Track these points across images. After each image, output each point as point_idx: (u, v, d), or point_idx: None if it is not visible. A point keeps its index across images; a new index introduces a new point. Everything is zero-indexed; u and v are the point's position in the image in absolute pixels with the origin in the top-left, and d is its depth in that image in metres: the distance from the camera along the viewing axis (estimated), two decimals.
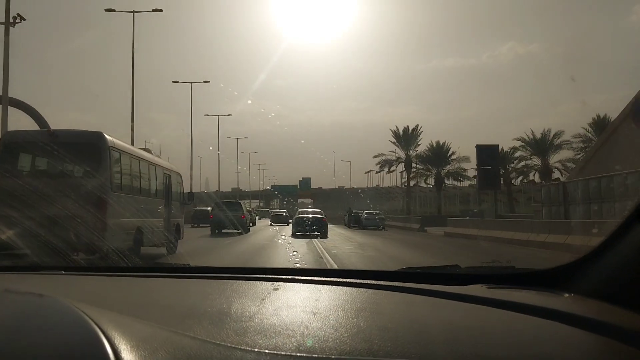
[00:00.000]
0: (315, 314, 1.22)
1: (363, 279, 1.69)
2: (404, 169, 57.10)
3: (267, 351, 0.91)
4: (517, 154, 48.81)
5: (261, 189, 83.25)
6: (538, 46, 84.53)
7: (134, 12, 31.30)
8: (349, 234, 29.72)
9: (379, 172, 57.58)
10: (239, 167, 73.02)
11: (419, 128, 56.23)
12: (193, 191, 23.70)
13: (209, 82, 45.38)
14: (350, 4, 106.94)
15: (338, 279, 1.70)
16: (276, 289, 1.59)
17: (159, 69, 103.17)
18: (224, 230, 26.70)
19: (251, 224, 37.05)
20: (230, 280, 1.78)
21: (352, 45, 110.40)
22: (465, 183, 59.64)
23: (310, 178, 76.83)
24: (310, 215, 26.35)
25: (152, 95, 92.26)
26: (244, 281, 1.74)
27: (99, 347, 0.81)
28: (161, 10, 32.20)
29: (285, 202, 63.47)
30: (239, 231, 26.54)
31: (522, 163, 49.15)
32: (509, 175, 49.68)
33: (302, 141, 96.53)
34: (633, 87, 67.03)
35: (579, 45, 76.29)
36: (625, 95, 64.55)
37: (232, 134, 67.86)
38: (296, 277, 1.79)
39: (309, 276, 1.80)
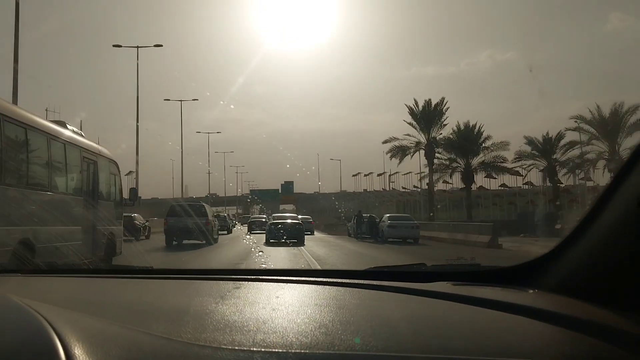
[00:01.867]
0: (275, 310, 1.25)
1: (329, 278, 1.73)
2: (424, 159, 43.54)
3: (225, 347, 0.95)
4: (565, 140, 38.37)
5: (239, 194, 79.47)
6: (516, 54, 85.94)
7: (138, 47, 35.04)
8: (374, 253, 19.89)
9: (392, 158, 44.23)
10: (216, 172, 69.51)
11: (444, 103, 42.61)
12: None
13: (197, 100, 49.59)
14: (330, 12, 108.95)
15: (302, 278, 1.75)
16: (237, 288, 1.61)
17: (140, 74, 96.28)
18: (185, 241, 22.54)
19: (225, 232, 34.56)
20: (191, 281, 1.85)
21: (333, 53, 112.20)
22: (503, 179, 47.63)
23: (292, 182, 72.89)
24: (286, 221, 24.62)
25: (141, 106, 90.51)
26: (205, 281, 1.82)
27: (47, 341, 0.85)
28: (161, 45, 37.80)
29: (265, 209, 60.29)
30: (203, 242, 22.49)
31: (577, 152, 37.68)
32: (553, 169, 39.49)
33: (281, 147, 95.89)
34: (609, 94, 73.15)
35: (556, 52, 79.32)
36: (601, 101, 68.12)
37: (214, 143, 65.94)
38: (259, 277, 1.83)
39: (273, 275, 1.87)
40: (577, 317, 1.10)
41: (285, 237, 22.37)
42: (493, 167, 41.44)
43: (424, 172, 46.62)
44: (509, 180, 48.96)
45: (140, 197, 16.69)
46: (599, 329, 1.03)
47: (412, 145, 43.36)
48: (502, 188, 50.33)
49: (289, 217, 27.27)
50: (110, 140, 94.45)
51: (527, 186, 47.16)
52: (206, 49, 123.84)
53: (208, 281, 1.81)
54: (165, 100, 48.37)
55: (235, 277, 1.86)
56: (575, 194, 38.76)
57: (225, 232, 35.33)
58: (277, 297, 1.48)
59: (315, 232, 35.99)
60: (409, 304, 1.37)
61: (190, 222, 21.89)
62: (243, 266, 12.52)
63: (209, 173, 59.73)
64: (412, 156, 44.00)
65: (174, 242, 22.44)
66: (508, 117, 78.54)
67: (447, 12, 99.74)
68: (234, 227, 48.37)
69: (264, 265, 11.49)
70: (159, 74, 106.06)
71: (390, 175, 68.74)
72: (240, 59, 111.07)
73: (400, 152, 43.64)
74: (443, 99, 42.97)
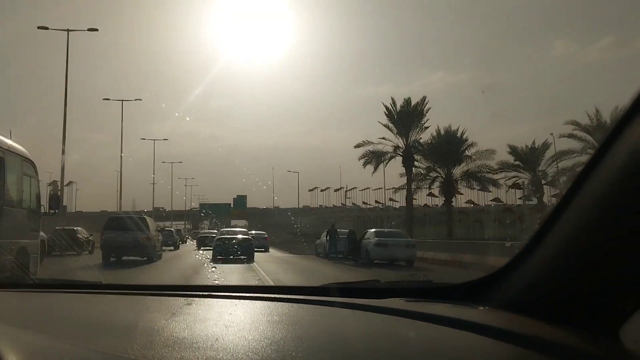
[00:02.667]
0: (228, 327, 1.25)
1: (283, 294, 1.73)
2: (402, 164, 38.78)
3: None
4: (551, 149, 37.26)
5: (187, 208, 76.09)
6: (466, 76, 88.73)
7: (68, 30, 31.55)
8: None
9: (365, 165, 39.09)
10: (164, 184, 66.17)
11: (425, 103, 38.09)
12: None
13: (140, 100, 46.00)
14: (287, 30, 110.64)
15: (256, 294, 1.76)
16: (189, 304, 1.60)
17: (90, 88, 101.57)
18: (124, 258, 20.72)
19: (172, 248, 33.73)
20: (141, 297, 1.85)
21: (290, 69, 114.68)
22: (491, 194, 43.70)
23: (245, 196, 69.92)
24: (235, 236, 23.32)
25: (82, 114, 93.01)
26: (155, 297, 1.83)
27: None
28: (96, 29, 33.20)
29: (217, 223, 57.67)
30: (144, 258, 20.56)
31: (571, 161, 34.80)
32: (539, 182, 38.10)
33: (235, 162, 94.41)
34: (555, 118, 77.13)
35: (504, 76, 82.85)
36: (547, 125, 78.74)
37: (165, 156, 63.58)
38: (212, 293, 1.84)
39: (225, 292, 1.88)
40: (525, 334, 1.13)
41: (233, 253, 21.51)
42: (478, 178, 37.32)
43: (392, 187, 45.18)
44: (476, 196, 47.48)
45: (64, 206, 14.41)
46: (546, 345, 1.06)
47: (389, 150, 38.63)
48: (468, 205, 49.14)
49: (239, 231, 25.85)
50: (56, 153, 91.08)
51: (494, 203, 45.91)
52: (160, 61, 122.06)
53: (159, 297, 1.81)
54: (104, 99, 44.16)
55: (186, 293, 1.86)
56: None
57: (172, 248, 34.00)
58: (230, 314, 1.49)
59: (270, 249, 33.71)
60: (362, 321, 1.41)
61: (130, 237, 20.31)
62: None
63: (153, 183, 56.18)
64: (386, 164, 39.29)
65: (112, 259, 20.64)
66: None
67: (402, 35, 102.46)
68: (185, 242, 46.38)
69: (216, 282, 10.86)
70: (109, 85, 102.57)
71: (347, 191, 67.71)
72: (194, 73, 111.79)
73: (375, 157, 38.61)
74: (424, 97, 38.58)
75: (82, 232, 29.11)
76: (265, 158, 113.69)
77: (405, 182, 39.49)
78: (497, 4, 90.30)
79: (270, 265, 19.97)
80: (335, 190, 66.51)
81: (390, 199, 54.34)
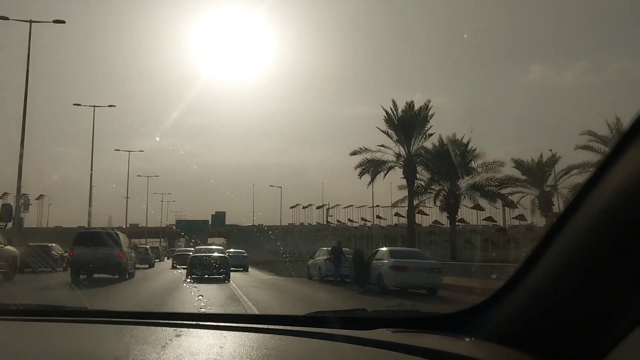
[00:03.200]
0: None
1: (270, 324, 1.79)
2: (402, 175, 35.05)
3: None
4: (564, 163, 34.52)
5: (163, 225, 74.11)
6: (443, 99, 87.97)
7: (31, 22, 30.28)
8: None
9: (360, 176, 35.60)
10: (140, 201, 64.41)
11: (429, 107, 34.70)
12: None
13: (114, 106, 44.21)
14: (267, 49, 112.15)
15: (244, 325, 1.80)
16: (178, 335, 1.62)
17: (65, 100, 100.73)
18: (95, 275, 19.86)
19: (147, 266, 33.53)
20: (130, 326, 1.81)
21: (269, 87, 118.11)
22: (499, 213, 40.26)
23: (224, 212, 68.26)
24: (210, 254, 22.66)
25: (54, 127, 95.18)
26: (144, 327, 1.79)
27: None
28: (63, 22, 31.63)
29: (192, 242, 56.12)
30: (115, 276, 19.66)
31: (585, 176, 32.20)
32: (548, 198, 35.96)
33: (212, 181, 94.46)
34: (530, 141, 79.54)
35: (481, 99, 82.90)
36: (520, 149, 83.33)
37: (142, 171, 62.12)
38: (200, 323, 1.85)
39: (214, 321, 1.88)
40: None
41: (209, 272, 21.07)
42: (487, 193, 33.53)
43: (379, 204, 43.75)
44: (467, 214, 46.22)
45: (21, 218, 13.46)
46: None
47: (389, 159, 34.90)
48: (459, 223, 47.94)
49: (215, 249, 25.21)
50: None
51: (486, 222, 44.74)
52: (138, 76, 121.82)
53: (147, 326, 1.80)
54: (75, 104, 43.08)
55: (175, 322, 1.86)
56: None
57: (147, 266, 33.59)
58: (221, 347, 1.51)
59: (251, 269, 32.39)
60: (349, 354, 1.44)
61: (101, 253, 19.37)
62: (163, 308, 11.14)
63: (127, 197, 54.25)
64: (385, 174, 35.59)
65: (82, 276, 19.77)
66: None
67: (380, 56, 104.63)
68: (162, 260, 45.29)
69: (203, 310, 10.71)
70: (84, 98, 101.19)
71: (329, 209, 66.70)
72: (172, 89, 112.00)
73: (372, 167, 34.96)
74: (429, 101, 35.18)
75: (56, 248, 28.73)
76: (244, 175, 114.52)
77: (403, 196, 36.55)
78: (475, 29, 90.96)
79: (258, 293, 16.84)
80: (318, 208, 65.43)
81: (378, 216, 53.25)
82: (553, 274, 1.21)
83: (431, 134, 34.55)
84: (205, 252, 23.30)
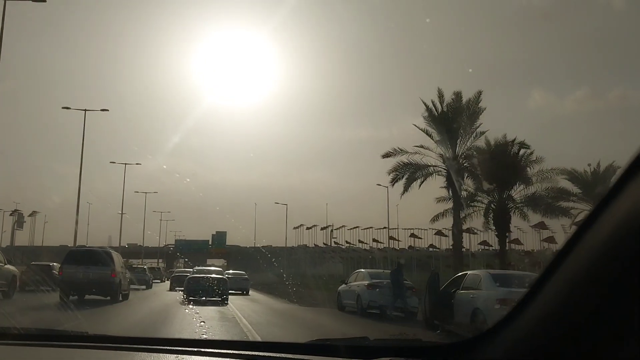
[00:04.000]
0: None
1: (273, 351, 1.80)
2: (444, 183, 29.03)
3: None
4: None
5: (161, 245, 72.64)
6: None
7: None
8: None
9: (394, 183, 29.90)
10: (139, 221, 63.09)
11: (479, 99, 28.59)
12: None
13: (107, 110, 42.43)
14: (269, 70, 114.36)
15: (246, 352, 1.84)
16: None
17: (68, 120, 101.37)
18: (86, 297, 19.12)
19: (144, 287, 33.10)
20: (131, 352, 1.89)
21: (270, 110, 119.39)
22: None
23: (225, 232, 66.79)
24: (208, 276, 22.36)
25: (54, 145, 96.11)
26: (145, 353, 1.85)
27: None
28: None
29: (186, 261, 55.01)
30: (107, 298, 18.91)
31: None
32: None
33: (217, 198, 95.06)
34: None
35: (483, 125, 78.85)
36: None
37: (141, 189, 61.26)
38: (202, 350, 1.91)
39: (216, 348, 1.93)
40: None
41: (206, 294, 20.84)
42: (551, 208, 27.46)
43: (396, 226, 40.64)
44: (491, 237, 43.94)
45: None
46: None
47: (430, 163, 28.74)
48: (481, 246, 45.81)
49: (213, 271, 25.29)
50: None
51: (482, 246, 42.83)
52: (141, 96, 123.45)
53: (149, 353, 1.84)
54: (64, 108, 39.84)
55: (176, 348, 1.91)
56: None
57: (144, 287, 33.13)
58: None
59: (254, 294, 31.03)
60: None
61: (92, 273, 18.60)
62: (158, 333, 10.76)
63: (121, 213, 52.45)
64: (422, 182, 29.20)
65: (72, 297, 18.78)
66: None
67: (382, 79, 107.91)
68: (162, 281, 44.35)
69: (204, 336, 10.43)
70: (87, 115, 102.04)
71: (333, 230, 65.26)
72: (176, 111, 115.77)
73: (408, 172, 28.85)
74: (480, 92, 28.71)
75: (57, 267, 27.87)
76: (245, 197, 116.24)
77: (435, 212, 30.34)
78: (476, 54, 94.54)
79: (283, 330, 13.51)
80: (322, 229, 64.04)
81: (391, 238, 51.41)
82: (561, 299, 1.17)
83: (483, 132, 28.05)
84: (203, 274, 22.91)
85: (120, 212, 51.41)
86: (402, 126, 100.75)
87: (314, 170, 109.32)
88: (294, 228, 67.94)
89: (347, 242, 58.70)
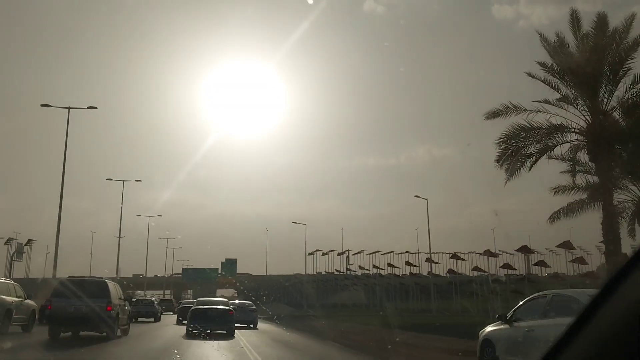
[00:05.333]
0: None
1: None
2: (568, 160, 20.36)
3: None
4: None
5: (168, 275, 70.09)
6: (452, 149, 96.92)
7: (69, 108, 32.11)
8: None
9: (501, 163, 20.22)
10: (147, 250, 60.70)
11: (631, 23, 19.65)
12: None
13: (140, 181, 46.88)
14: (277, 103, 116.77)
15: None
16: None
17: (79, 155, 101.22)
18: (81, 333, 17.63)
19: (152, 319, 31.93)
20: None
21: (278, 140, 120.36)
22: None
23: (236, 259, 64.24)
24: (215, 307, 21.42)
25: (76, 185, 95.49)
26: None
27: None
28: (96, 107, 33.56)
29: (189, 293, 52.51)
30: (103, 334, 17.11)
31: None
32: None
33: (226, 228, 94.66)
34: (538, 191, 77.65)
35: (488, 151, 78.89)
36: (533, 199, 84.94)
37: (153, 226, 60.13)
38: None
39: None
40: None
41: (211, 326, 20.22)
42: None
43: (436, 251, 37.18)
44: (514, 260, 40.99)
45: None
46: None
47: (561, 124, 19.73)
48: (507, 270, 43.45)
49: (219, 301, 23.97)
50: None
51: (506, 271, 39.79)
52: (150, 132, 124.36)
53: None
54: (107, 179, 46.41)
55: None
56: None
57: (152, 319, 32.16)
58: None
59: (267, 327, 28.43)
60: None
61: (86, 306, 16.68)
62: None
63: (119, 236, 49.53)
64: (549, 153, 20.28)
65: (64, 333, 17.44)
66: (447, 207, 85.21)
67: (389, 108, 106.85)
68: (174, 313, 42.16)
69: None
70: (103, 153, 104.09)
71: (349, 256, 62.54)
72: (185, 145, 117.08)
73: (534, 141, 19.96)
74: (632, 16, 19.53)
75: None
76: (254, 227, 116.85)
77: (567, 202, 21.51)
78: (481, 81, 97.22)
79: None
80: (339, 254, 61.34)
81: (431, 261, 47.64)
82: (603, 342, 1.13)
83: None
84: (208, 305, 22.09)
85: (117, 235, 48.82)
86: (409, 153, 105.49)
87: (324, 198, 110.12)
88: (309, 254, 65.41)
89: (375, 266, 55.67)
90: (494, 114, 20.30)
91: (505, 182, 20.24)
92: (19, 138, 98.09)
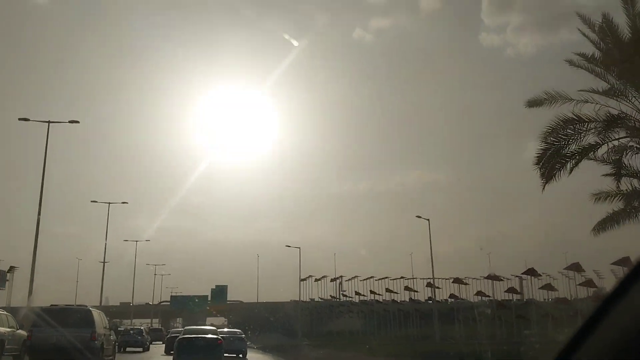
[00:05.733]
0: None
1: None
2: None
3: None
4: None
5: (155, 302, 68.63)
6: (443, 175, 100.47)
7: (49, 122, 30.95)
8: None
9: (541, 163, 17.26)
10: (137, 279, 59.32)
11: None
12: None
13: (127, 203, 46.72)
14: (269, 129, 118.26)
15: None
16: None
17: (71, 181, 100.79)
18: None
19: (140, 349, 31.59)
20: None
21: (270, 167, 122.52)
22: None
23: (226, 286, 62.90)
24: (203, 336, 20.87)
25: (61, 209, 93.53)
26: None
27: None
28: (78, 122, 32.31)
29: (177, 322, 51.30)
30: None
31: None
32: None
33: (217, 254, 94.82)
34: (527, 215, 79.36)
35: (479, 176, 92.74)
36: (525, 222, 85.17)
37: (142, 252, 61.26)
38: None
39: None
40: None
41: (198, 357, 19.63)
42: None
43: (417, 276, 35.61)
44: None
45: None
46: None
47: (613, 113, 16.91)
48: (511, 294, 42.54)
49: (208, 330, 23.87)
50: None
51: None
52: (140, 157, 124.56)
53: None
54: (92, 202, 46.13)
55: None
56: None
57: (141, 349, 31.99)
58: None
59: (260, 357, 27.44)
60: None
61: (68, 336, 16.02)
62: None
63: (103, 262, 47.86)
64: (593, 153, 17.59)
65: None
66: (439, 232, 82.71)
67: (380, 133, 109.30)
68: (164, 342, 40.76)
69: None
70: (90, 175, 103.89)
71: (342, 282, 61.54)
72: (176, 169, 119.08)
73: (577, 132, 17.14)
74: None
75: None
76: (246, 253, 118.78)
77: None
78: (471, 107, 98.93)
79: None
80: (332, 280, 60.36)
81: (433, 286, 45.81)
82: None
83: None
84: (195, 334, 21.74)
85: (102, 261, 47.30)
86: (401, 179, 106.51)
87: (315, 224, 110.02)
88: (301, 280, 64.35)
89: (372, 291, 54.70)
90: (537, 103, 18.18)
91: (543, 187, 17.58)
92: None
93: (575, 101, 17.44)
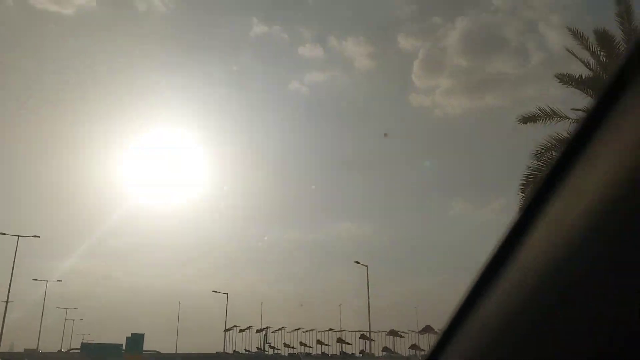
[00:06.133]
0: None
1: None
2: None
3: None
4: None
5: (64, 350, 63.25)
6: (370, 228, 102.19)
7: None
8: None
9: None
10: (46, 321, 54.61)
11: None
12: None
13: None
14: (196, 175, 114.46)
15: None
16: None
17: None
18: None
19: None
20: None
21: (200, 214, 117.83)
22: None
23: (143, 334, 58.88)
24: None
25: None
26: None
27: None
28: None
29: None
30: None
31: None
32: None
33: (134, 300, 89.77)
34: (452, 272, 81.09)
35: (406, 230, 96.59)
36: (444, 279, 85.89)
37: (55, 296, 55.59)
38: None
39: None
40: None
41: None
42: None
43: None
44: None
45: None
46: None
47: None
48: None
49: None
50: None
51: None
52: (57, 197, 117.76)
53: None
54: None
55: None
56: None
57: None
58: None
59: None
60: None
61: None
62: None
63: (7, 301, 43.71)
64: None
65: None
66: (364, 286, 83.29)
67: (309, 185, 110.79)
68: None
69: None
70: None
71: (267, 333, 59.35)
72: (94, 210, 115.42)
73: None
74: None
75: None
76: (165, 301, 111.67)
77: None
78: (399, 167, 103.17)
79: None
80: (258, 331, 57.83)
81: (369, 338, 45.67)
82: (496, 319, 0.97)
83: None
84: None
85: (5, 300, 43.37)
86: (329, 230, 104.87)
87: (243, 274, 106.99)
88: (225, 330, 61.42)
89: (302, 343, 52.66)
90: (530, 118, 18.80)
91: None
92: None
93: (570, 119, 17.82)
